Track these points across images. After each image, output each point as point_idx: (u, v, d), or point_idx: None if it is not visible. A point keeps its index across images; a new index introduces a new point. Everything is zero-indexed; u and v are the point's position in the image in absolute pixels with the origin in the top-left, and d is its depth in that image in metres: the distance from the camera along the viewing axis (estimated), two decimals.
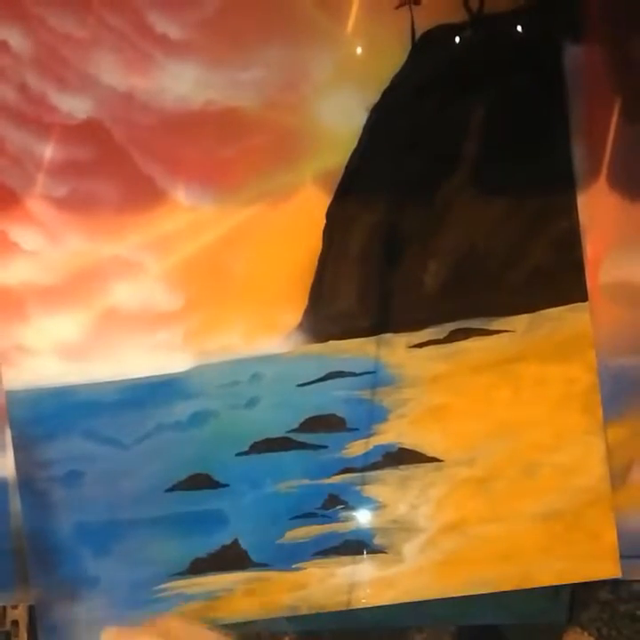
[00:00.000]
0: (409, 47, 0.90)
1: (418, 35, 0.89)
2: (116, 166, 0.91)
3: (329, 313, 0.92)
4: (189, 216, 0.91)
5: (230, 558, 0.93)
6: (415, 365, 0.91)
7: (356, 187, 0.91)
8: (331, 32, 0.90)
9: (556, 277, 0.91)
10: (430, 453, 0.92)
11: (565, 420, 0.91)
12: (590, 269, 0.91)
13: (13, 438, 0.93)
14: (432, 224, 0.91)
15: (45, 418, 0.93)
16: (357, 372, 0.91)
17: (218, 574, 0.93)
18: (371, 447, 0.92)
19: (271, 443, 0.92)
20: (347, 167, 0.91)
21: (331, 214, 0.91)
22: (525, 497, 0.91)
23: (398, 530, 0.92)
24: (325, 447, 0.92)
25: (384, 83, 0.90)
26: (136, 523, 0.93)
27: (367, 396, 0.92)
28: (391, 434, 0.92)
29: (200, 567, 0.93)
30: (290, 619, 0.94)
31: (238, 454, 0.92)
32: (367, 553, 0.92)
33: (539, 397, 0.91)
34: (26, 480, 0.93)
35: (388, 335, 0.91)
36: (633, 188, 0.91)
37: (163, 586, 0.93)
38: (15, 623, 0.97)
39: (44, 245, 0.92)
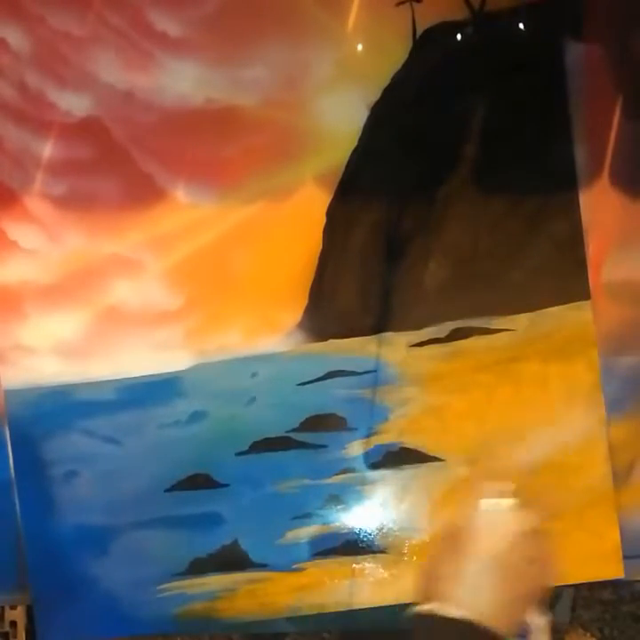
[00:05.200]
0: (410, 45, 0.89)
1: (419, 32, 0.89)
2: (116, 164, 0.91)
3: (329, 312, 0.91)
4: (189, 214, 0.91)
5: (230, 559, 0.92)
6: (416, 364, 0.91)
7: (356, 185, 0.91)
8: (331, 30, 0.89)
9: (558, 276, 0.91)
10: (431, 453, 0.91)
11: (567, 419, 0.91)
12: (592, 267, 0.90)
13: (12, 437, 0.93)
14: (433, 223, 0.91)
15: (44, 417, 0.92)
16: (358, 371, 0.91)
17: (218, 574, 0.92)
18: (371, 446, 0.91)
19: (271, 442, 0.92)
20: (347, 166, 0.90)
21: (331, 213, 0.91)
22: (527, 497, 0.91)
23: (399, 530, 0.91)
24: (326, 447, 0.91)
25: (385, 80, 0.90)
26: (135, 523, 0.93)
27: (368, 395, 0.91)
28: (392, 433, 0.91)
29: (200, 567, 0.92)
30: (290, 619, 0.93)
31: (238, 454, 0.92)
32: (368, 553, 0.91)
33: (540, 397, 0.91)
34: (25, 479, 0.93)
35: (389, 334, 0.91)
36: (635, 186, 0.91)
37: (163, 586, 0.93)
38: (13, 624, 0.96)
39: (43, 244, 0.91)
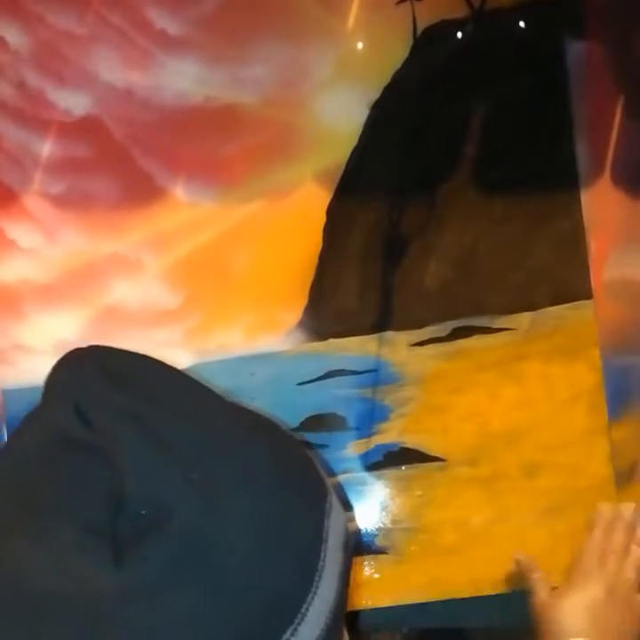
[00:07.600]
0: (410, 43, 0.89)
1: (419, 30, 0.89)
2: (115, 163, 0.90)
3: (329, 311, 0.91)
4: (189, 213, 0.90)
5: None
6: (417, 363, 0.91)
7: (356, 184, 0.91)
8: (331, 28, 0.89)
9: (560, 275, 0.90)
10: (432, 453, 0.91)
11: (569, 419, 0.90)
12: (594, 267, 0.90)
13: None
14: (433, 221, 0.91)
15: None
16: (358, 370, 0.91)
17: None
18: (372, 446, 0.91)
19: None
20: (347, 164, 0.90)
21: (331, 211, 0.90)
22: (528, 497, 0.91)
23: (400, 530, 0.91)
24: (326, 446, 0.91)
25: (385, 79, 0.89)
26: None
27: (368, 394, 0.91)
28: (393, 433, 0.91)
29: None
30: None
31: None
32: (369, 554, 0.91)
33: (542, 396, 0.90)
34: None
35: (390, 333, 0.91)
36: (637, 185, 0.90)
37: None
38: None
39: (42, 243, 0.91)
